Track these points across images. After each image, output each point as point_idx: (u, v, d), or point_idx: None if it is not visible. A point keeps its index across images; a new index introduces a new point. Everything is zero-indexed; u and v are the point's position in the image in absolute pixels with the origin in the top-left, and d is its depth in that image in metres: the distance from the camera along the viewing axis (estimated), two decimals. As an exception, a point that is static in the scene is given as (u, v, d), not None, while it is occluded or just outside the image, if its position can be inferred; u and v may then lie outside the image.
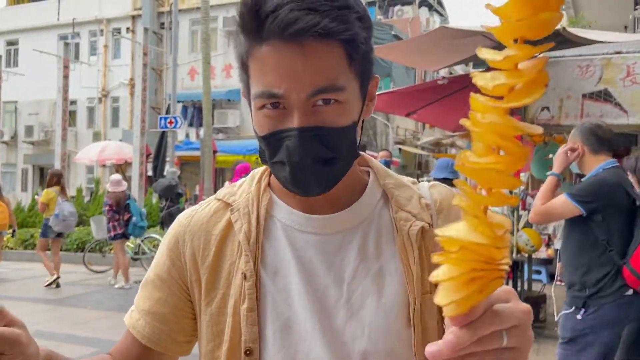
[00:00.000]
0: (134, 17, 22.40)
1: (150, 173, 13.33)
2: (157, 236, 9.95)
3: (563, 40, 5.40)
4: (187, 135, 20.18)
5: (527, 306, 0.53)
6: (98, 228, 9.56)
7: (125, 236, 8.18)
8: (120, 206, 8.07)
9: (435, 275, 0.50)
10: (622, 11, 9.92)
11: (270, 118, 0.76)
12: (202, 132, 14.65)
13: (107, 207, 8.16)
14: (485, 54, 0.48)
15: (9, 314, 0.66)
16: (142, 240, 9.79)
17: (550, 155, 7.04)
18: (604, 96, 5.46)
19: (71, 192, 11.40)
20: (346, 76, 0.75)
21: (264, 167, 0.90)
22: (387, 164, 6.39)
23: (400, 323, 0.80)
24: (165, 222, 9.97)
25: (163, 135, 12.84)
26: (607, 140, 3.09)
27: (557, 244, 8.22)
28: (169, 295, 0.88)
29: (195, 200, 14.33)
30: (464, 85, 6.25)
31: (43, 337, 5.02)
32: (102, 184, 15.25)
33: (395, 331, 0.80)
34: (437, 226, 0.84)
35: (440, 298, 0.49)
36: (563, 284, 8.44)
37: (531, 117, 5.72)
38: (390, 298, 0.81)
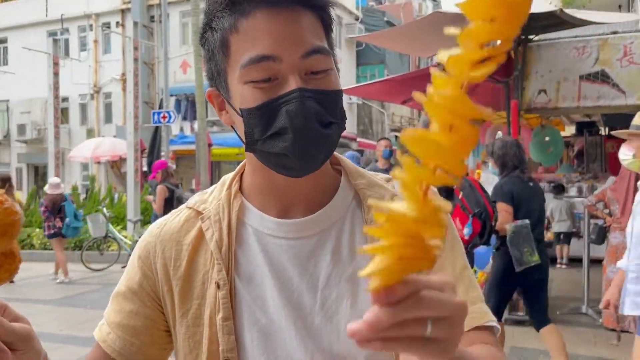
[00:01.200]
0: (123, 11, 22.16)
1: (145, 169, 13.24)
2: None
3: (559, 21, 5.33)
4: (182, 129, 20.07)
5: (462, 301, 0.49)
6: (95, 226, 9.52)
7: (61, 235, 8.61)
8: (55, 207, 8.54)
9: (364, 248, 0.47)
10: (616, -10, 9.84)
11: (261, 89, 0.75)
12: (196, 125, 14.56)
13: (42, 208, 8.73)
14: (450, 30, 0.45)
15: (13, 311, 0.66)
16: (139, 237, 9.74)
17: (547, 139, 7.01)
18: (601, 77, 5.41)
19: (66, 190, 11.31)
20: (327, 44, 0.78)
21: (234, 172, 0.89)
22: (390, 153, 6.31)
23: None
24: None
25: (157, 130, 12.75)
26: None
27: (556, 226, 8.22)
28: (140, 307, 0.86)
29: (193, 193, 14.26)
30: (460, 70, 6.17)
31: (43, 339, 4.97)
32: (98, 182, 15.17)
33: None
34: None
35: (364, 270, 0.46)
36: (564, 266, 8.38)
37: (528, 101, 5.67)
38: (365, 302, 0.79)
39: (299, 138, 0.73)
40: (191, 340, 0.82)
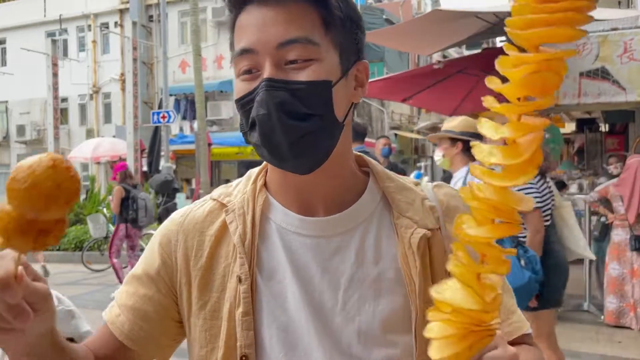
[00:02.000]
0: (121, 11, 22.11)
1: (145, 168, 13.23)
2: (154, 232, 9.88)
3: (559, 18, 5.31)
4: (181, 129, 20.04)
5: (513, 350, 0.59)
6: (95, 226, 9.49)
7: None
8: None
9: (429, 331, 0.55)
10: (615, -14, 9.83)
11: (246, 82, 0.76)
12: (195, 125, 14.54)
13: None
14: (485, 129, 0.54)
15: (34, 270, 0.65)
16: (140, 237, 9.73)
17: (547, 136, 7.00)
18: (602, 74, 5.39)
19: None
20: (322, 38, 0.76)
21: (260, 166, 0.89)
22: (389, 151, 6.30)
23: (397, 331, 0.78)
24: (162, 218, 9.91)
25: (157, 130, 12.74)
26: None
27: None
28: (155, 293, 0.84)
29: (192, 193, 14.27)
30: (459, 69, 6.17)
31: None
32: (98, 182, 15.16)
33: (391, 339, 0.78)
34: (444, 229, 0.82)
35: (433, 353, 0.55)
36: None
37: (528, 98, 5.65)
38: (387, 305, 0.79)
39: (262, 128, 0.74)
40: (208, 333, 0.80)
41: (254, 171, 0.89)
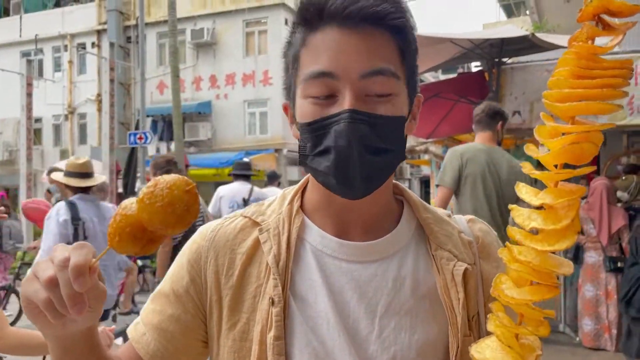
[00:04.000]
0: (99, 32, 22.00)
1: (120, 190, 13.03)
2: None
3: (531, 45, 5.47)
4: (158, 150, 19.84)
5: None
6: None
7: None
8: None
9: None
10: (584, 15, 10.15)
11: (318, 105, 0.74)
12: (173, 146, 14.41)
13: None
14: (524, 194, 0.57)
15: (99, 269, 0.66)
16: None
17: (523, 159, 7.13)
18: (573, 99, 5.53)
19: (38, 212, 11.06)
20: (398, 69, 0.75)
21: (296, 187, 0.87)
22: None
23: None
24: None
25: (133, 151, 12.58)
26: None
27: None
28: (182, 313, 0.82)
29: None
30: (435, 93, 6.27)
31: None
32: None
33: None
34: (478, 266, 0.82)
35: None
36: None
37: (503, 122, 5.76)
38: (422, 335, 0.77)
39: (339, 159, 0.72)
40: (236, 355, 0.78)
41: (289, 192, 0.88)
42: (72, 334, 0.68)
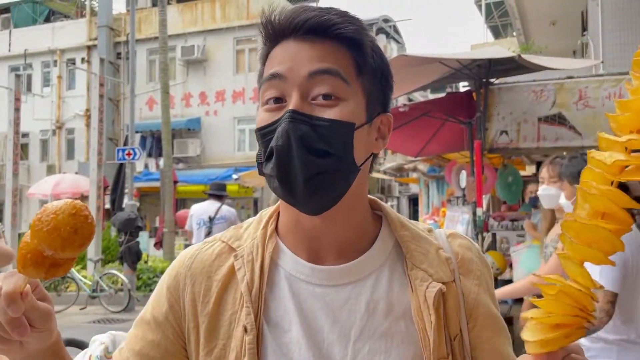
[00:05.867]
0: (89, 47, 22.01)
1: (108, 206, 12.92)
2: (116, 272, 9.58)
3: (517, 66, 5.55)
4: (147, 166, 19.76)
5: None
6: None
7: None
8: None
9: (529, 312, 0.61)
10: (570, 37, 10.37)
11: (270, 112, 0.76)
12: (161, 162, 14.36)
13: None
14: (605, 141, 0.61)
15: (42, 290, 0.70)
16: (100, 277, 9.41)
17: (510, 179, 7.20)
18: (559, 119, 5.61)
19: (23, 228, 10.90)
20: (352, 79, 0.76)
21: (272, 209, 0.87)
22: None
23: None
24: (124, 257, 9.61)
25: (121, 167, 12.50)
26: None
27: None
28: (162, 340, 0.83)
29: (156, 232, 13.94)
30: (424, 112, 6.33)
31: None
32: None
33: None
34: (458, 282, 0.81)
35: (528, 334, 0.61)
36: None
37: (490, 141, 5.82)
38: (398, 358, 0.76)
39: (279, 158, 0.73)
40: None
41: (265, 213, 0.87)
42: (34, 353, 0.71)
